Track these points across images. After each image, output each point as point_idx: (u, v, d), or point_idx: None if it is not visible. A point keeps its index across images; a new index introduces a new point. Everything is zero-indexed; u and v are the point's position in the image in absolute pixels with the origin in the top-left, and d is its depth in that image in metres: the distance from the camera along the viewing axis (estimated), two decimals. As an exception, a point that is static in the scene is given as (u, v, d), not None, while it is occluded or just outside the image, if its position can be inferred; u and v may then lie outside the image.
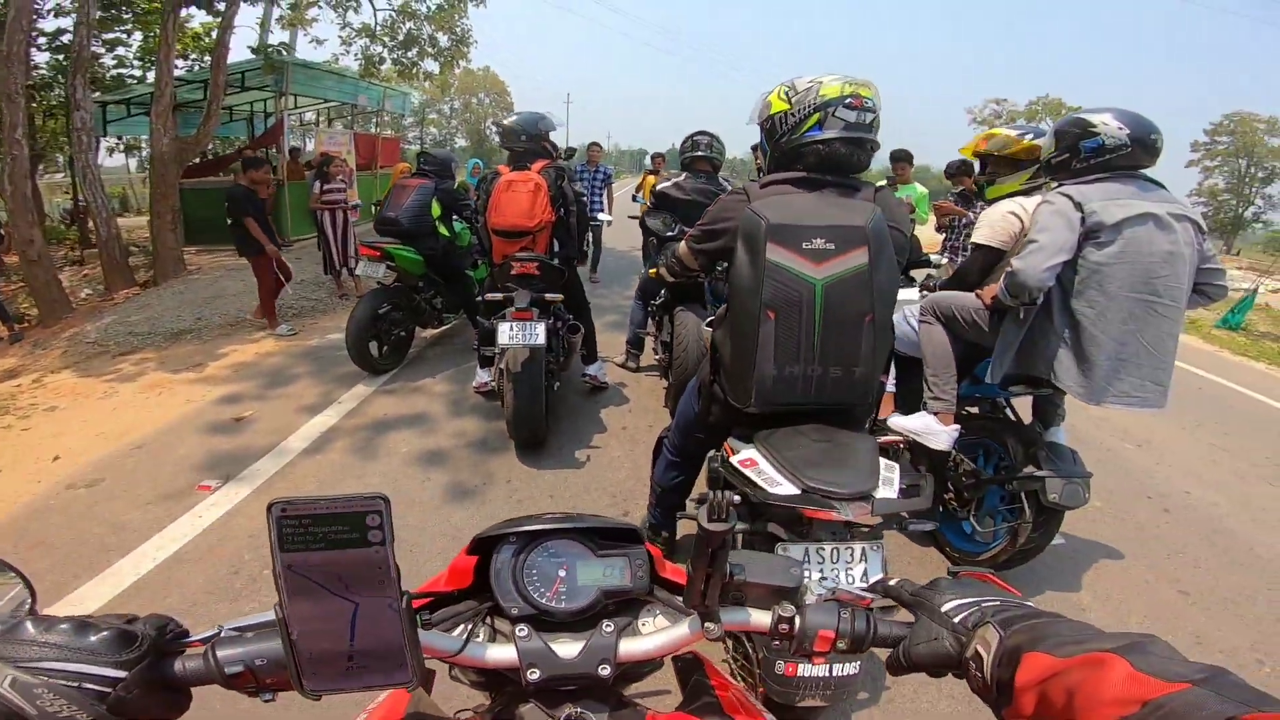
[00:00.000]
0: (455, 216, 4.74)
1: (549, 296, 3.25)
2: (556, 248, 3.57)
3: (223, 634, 0.55)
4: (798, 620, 0.61)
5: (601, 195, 7.58)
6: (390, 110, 14.91)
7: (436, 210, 4.50)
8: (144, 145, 16.14)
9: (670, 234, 3.55)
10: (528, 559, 0.69)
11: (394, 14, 11.00)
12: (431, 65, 12.21)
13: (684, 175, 3.90)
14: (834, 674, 1.39)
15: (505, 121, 3.63)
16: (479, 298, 5.09)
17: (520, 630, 0.63)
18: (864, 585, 1.50)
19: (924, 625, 0.58)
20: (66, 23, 10.04)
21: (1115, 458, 3.94)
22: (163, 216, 7.43)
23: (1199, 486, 3.64)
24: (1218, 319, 9.42)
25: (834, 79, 1.64)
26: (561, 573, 0.68)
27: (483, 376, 3.98)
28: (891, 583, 0.66)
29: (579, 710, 0.60)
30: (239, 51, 8.86)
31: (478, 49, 12.31)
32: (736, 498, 0.55)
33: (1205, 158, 37.76)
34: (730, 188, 3.88)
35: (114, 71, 12.22)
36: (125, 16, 11.35)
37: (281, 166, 10.07)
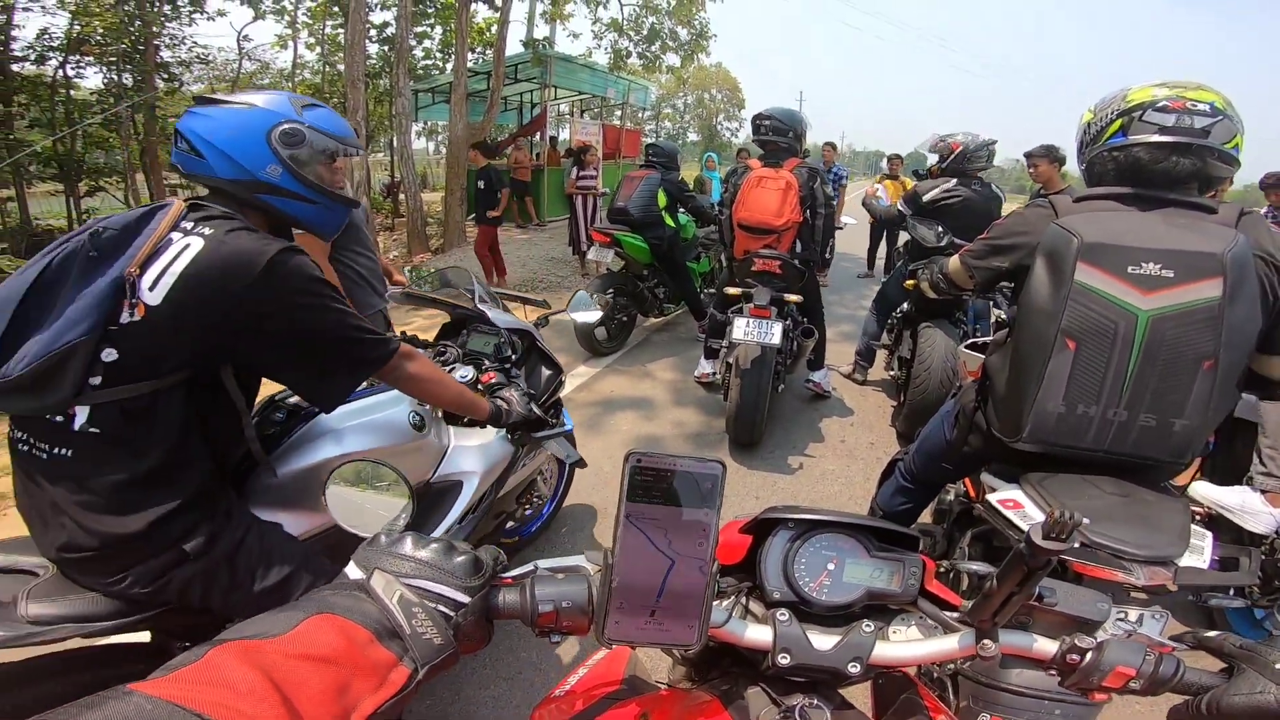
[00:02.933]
0: (680, 209, 4.85)
1: (788, 296, 3.20)
2: (798, 248, 3.49)
3: (539, 572, 0.58)
4: (1092, 654, 0.58)
5: (835, 197, 7.28)
6: (633, 103, 15.82)
7: (663, 200, 4.61)
8: (440, 130, 19.12)
9: (940, 245, 3.28)
10: (801, 547, 0.69)
11: (638, 8, 11.72)
12: (673, 59, 12.79)
13: (953, 181, 3.55)
14: None
15: (769, 111, 3.50)
16: (703, 291, 5.22)
17: (781, 615, 0.64)
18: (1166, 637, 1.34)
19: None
20: (388, 16, 11.99)
21: None
22: (454, 193, 8.79)
23: None
24: None
25: (1149, 83, 1.42)
26: (830, 566, 0.68)
27: (705, 367, 4.05)
28: (1208, 634, 0.64)
29: (813, 700, 0.59)
30: (511, 46, 10.06)
31: (715, 42, 12.63)
32: (1086, 520, 0.51)
33: None
34: (1003, 197, 3.45)
35: (422, 63, 14.14)
36: (429, 11, 13.02)
37: (544, 153, 11.26)
